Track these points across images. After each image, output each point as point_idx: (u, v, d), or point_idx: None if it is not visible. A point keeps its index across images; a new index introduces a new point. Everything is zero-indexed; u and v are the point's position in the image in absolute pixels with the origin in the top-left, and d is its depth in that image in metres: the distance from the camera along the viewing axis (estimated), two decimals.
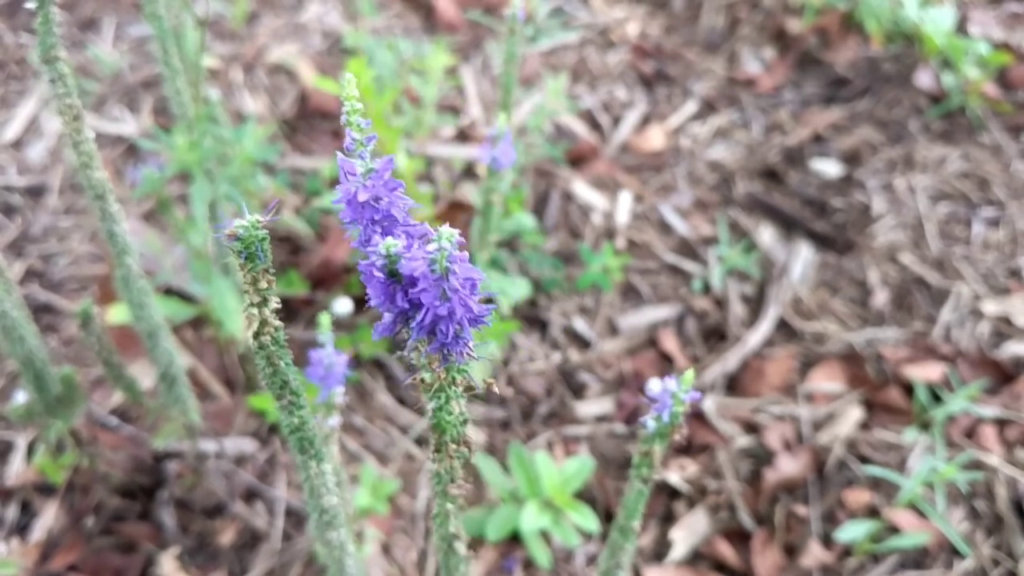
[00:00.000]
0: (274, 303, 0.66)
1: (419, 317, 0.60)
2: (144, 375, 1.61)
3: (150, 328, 1.20)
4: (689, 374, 0.82)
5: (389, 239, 0.59)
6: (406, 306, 0.61)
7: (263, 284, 0.64)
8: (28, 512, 1.51)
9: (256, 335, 0.66)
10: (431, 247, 0.56)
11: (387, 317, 0.63)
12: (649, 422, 0.85)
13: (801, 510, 1.54)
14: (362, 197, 0.61)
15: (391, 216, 0.62)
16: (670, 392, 0.83)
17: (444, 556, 0.86)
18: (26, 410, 1.27)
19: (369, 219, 0.62)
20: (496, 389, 0.69)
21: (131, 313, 1.18)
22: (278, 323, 0.67)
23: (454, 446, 0.71)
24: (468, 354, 0.64)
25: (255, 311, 0.65)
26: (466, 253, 0.57)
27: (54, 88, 0.94)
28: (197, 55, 1.41)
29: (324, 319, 1.02)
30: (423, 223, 0.62)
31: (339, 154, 0.61)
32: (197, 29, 1.42)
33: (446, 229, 0.55)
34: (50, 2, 0.90)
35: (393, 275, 0.60)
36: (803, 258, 1.93)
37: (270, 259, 0.63)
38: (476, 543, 1.50)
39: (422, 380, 0.67)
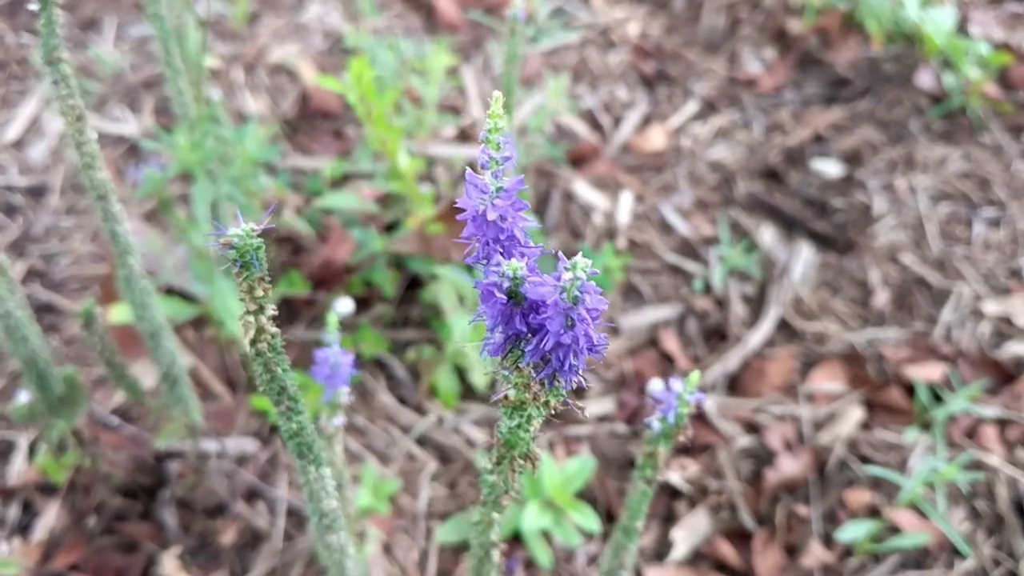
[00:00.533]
0: (270, 310, 0.66)
1: (538, 342, 0.59)
2: (146, 375, 1.61)
3: (152, 328, 1.20)
4: (694, 376, 0.82)
5: (514, 261, 0.58)
6: (523, 329, 0.61)
7: (259, 292, 0.64)
8: (30, 512, 1.51)
9: (253, 342, 0.67)
10: (566, 276, 0.55)
11: (498, 337, 0.62)
12: (654, 423, 0.85)
13: (802, 510, 1.54)
14: (491, 216, 0.60)
15: (514, 237, 0.62)
16: (675, 394, 0.83)
17: (478, 562, 0.86)
18: (28, 410, 1.27)
19: (493, 238, 0.61)
20: (587, 414, 0.69)
21: (133, 313, 1.19)
22: (274, 330, 0.67)
23: (521, 462, 0.71)
24: (577, 382, 0.63)
25: (251, 319, 0.65)
26: (595, 284, 0.56)
27: (57, 89, 0.95)
28: (199, 55, 1.41)
29: (331, 319, 1.02)
30: (540, 245, 0.62)
31: (468, 169, 0.61)
32: (199, 29, 1.42)
33: (581, 260, 0.55)
34: (53, 3, 0.90)
35: (513, 296, 0.60)
36: (804, 258, 1.93)
37: (265, 267, 0.63)
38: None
39: (505, 397, 0.66)
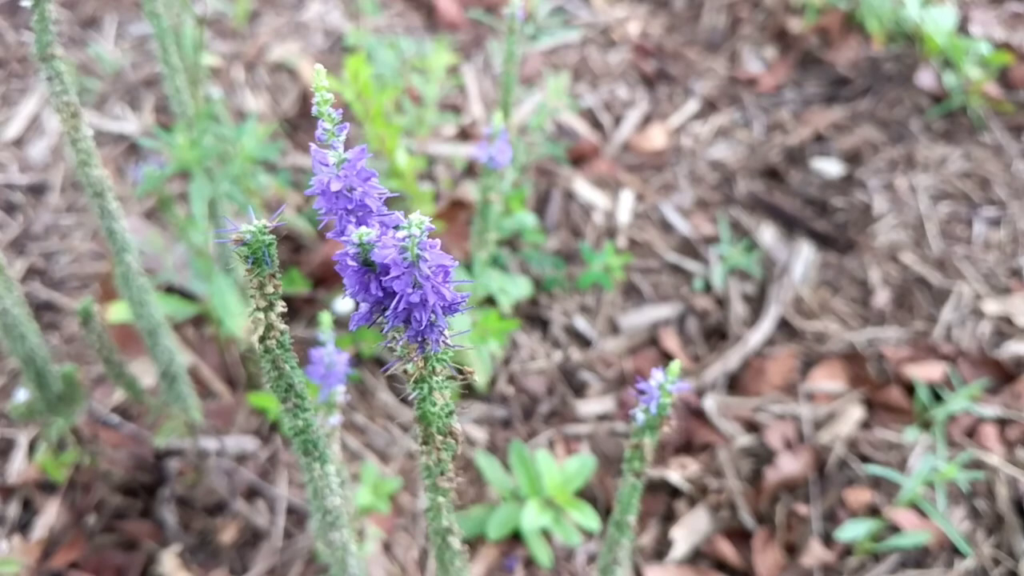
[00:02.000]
0: (280, 307, 0.66)
1: (394, 306, 0.60)
2: (145, 373, 1.61)
3: (151, 326, 1.20)
4: (675, 365, 0.82)
5: (363, 228, 0.59)
6: (380, 295, 0.61)
7: (269, 289, 0.64)
8: (30, 510, 1.51)
9: (262, 339, 0.67)
10: (401, 234, 0.56)
11: (363, 307, 0.63)
12: (638, 414, 0.86)
13: (802, 509, 1.54)
14: (335, 187, 0.61)
15: (365, 206, 0.62)
16: (657, 384, 0.84)
17: (439, 551, 0.86)
18: (27, 408, 1.27)
19: (343, 209, 0.62)
20: (478, 378, 0.69)
21: (131, 311, 1.19)
22: (283, 327, 0.67)
23: (440, 438, 0.71)
24: (444, 342, 0.64)
25: (261, 315, 0.65)
26: (437, 240, 0.57)
27: (51, 86, 0.95)
28: (196, 53, 1.41)
29: (325, 318, 1.02)
30: (397, 212, 0.62)
31: (312, 145, 0.61)
32: (196, 27, 1.42)
33: (416, 216, 0.56)
34: (45, 0, 0.90)
35: (367, 264, 0.60)
36: (804, 257, 1.93)
37: (277, 264, 0.63)
38: (477, 542, 1.50)
39: (404, 371, 0.67)
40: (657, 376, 0.84)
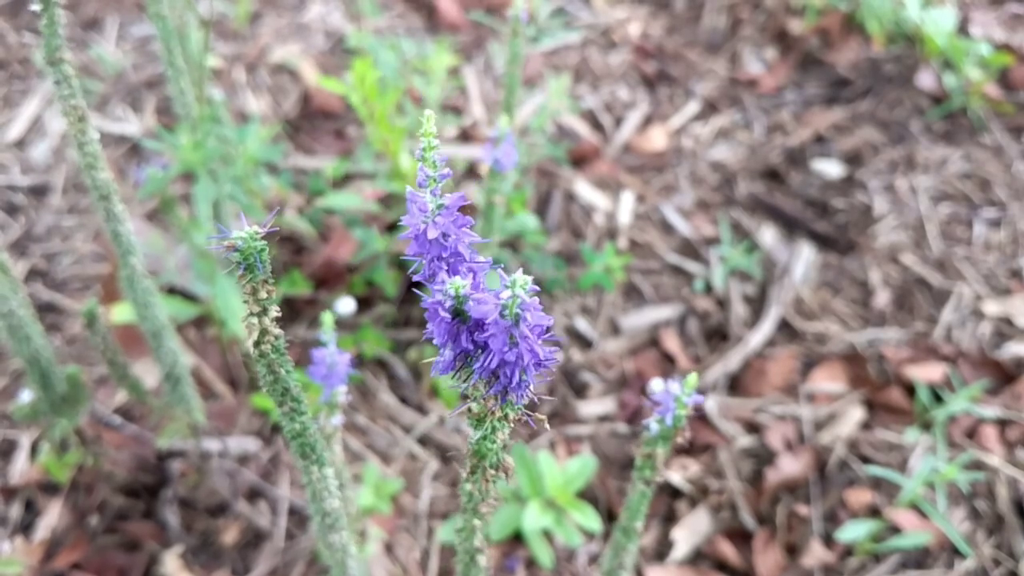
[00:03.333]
0: (274, 312, 0.66)
1: (484, 361, 0.59)
2: (148, 374, 1.61)
3: (154, 328, 1.20)
4: (692, 378, 0.82)
5: (457, 279, 0.58)
6: (470, 347, 0.61)
7: (263, 294, 0.64)
8: (32, 511, 1.52)
9: (257, 344, 0.67)
10: (505, 294, 0.55)
11: (447, 354, 0.62)
12: (652, 425, 0.86)
13: (802, 510, 1.54)
14: (432, 234, 0.60)
15: (458, 253, 0.61)
16: (673, 395, 0.83)
17: (465, 567, 0.86)
18: (31, 409, 1.28)
19: (436, 256, 0.61)
20: (548, 427, 0.70)
21: (136, 313, 1.19)
22: (278, 331, 0.67)
23: (492, 471, 0.71)
24: (528, 396, 0.63)
25: (255, 320, 0.65)
26: (537, 299, 0.56)
27: (59, 89, 0.95)
28: (201, 55, 1.42)
29: (327, 318, 1.02)
30: (488, 259, 0.62)
31: (409, 189, 0.60)
32: (201, 29, 1.42)
33: (520, 276, 0.54)
34: (55, 4, 0.90)
35: (458, 315, 0.59)
36: (805, 258, 1.94)
37: (269, 269, 0.63)
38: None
39: (469, 410, 0.66)
40: (673, 387, 0.84)
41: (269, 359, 0.68)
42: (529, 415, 0.68)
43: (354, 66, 1.47)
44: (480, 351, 0.61)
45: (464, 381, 0.64)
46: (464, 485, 0.75)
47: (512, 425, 0.68)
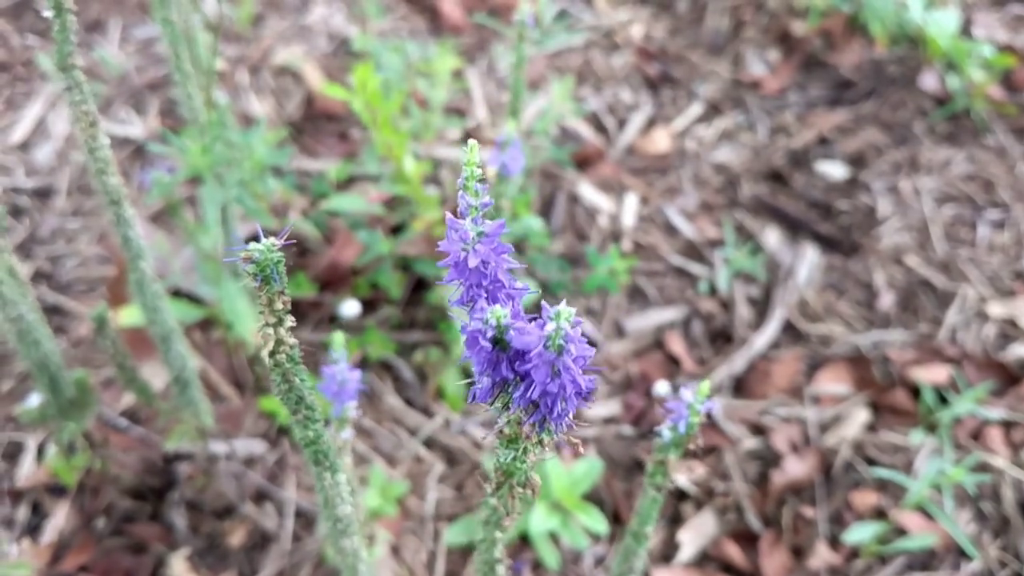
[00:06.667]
0: (289, 322, 0.66)
1: (524, 391, 0.59)
2: (155, 376, 1.61)
3: (164, 332, 1.21)
4: (705, 385, 0.82)
5: (497, 308, 0.58)
6: (509, 375, 0.60)
7: (279, 305, 0.64)
8: (39, 513, 1.52)
9: (272, 354, 0.67)
10: (549, 326, 0.55)
11: (485, 382, 0.62)
12: (665, 432, 0.86)
13: (808, 512, 1.55)
14: (472, 262, 0.59)
15: (497, 280, 0.61)
16: (686, 403, 0.84)
17: None
18: (39, 413, 1.28)
19: (476, 283, 0.61)
20: (583, 451, 0.69)
21: (145, 317, 1.19)
22: (293, 341, 0.68)
23: (520, 489, 0.71)
24: (568, 425, 0.63)
25: (271, 331, 0.66)
26: (580, 330, 0.56)
27: (70, 95, 0.95)
28: (209, 59, 1.42)
29: (337, 337, 1.02)
30: (526, 285, 0.62)
31: (448, 215, 0.60)
32: (209, 33, 1.43)
33: (564, 308, 0.54)
34: (67, 10, 0.90)
35: (499, 343, 0.59)
36: (809, 260, 1.94)
37: (285, 281, 0.63)
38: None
39: (500, 431, 0.66)
40: (686, 395, 0.84)
41: (284, 368, 0.69)
42: (567, 442, 0.67)
43: (355, 72, 1.47)
44: (519, 380, 0.61)
45: (504, 409, 0.63)
46: (488, 500, 0.75)
47: (546, 449, 0.68)
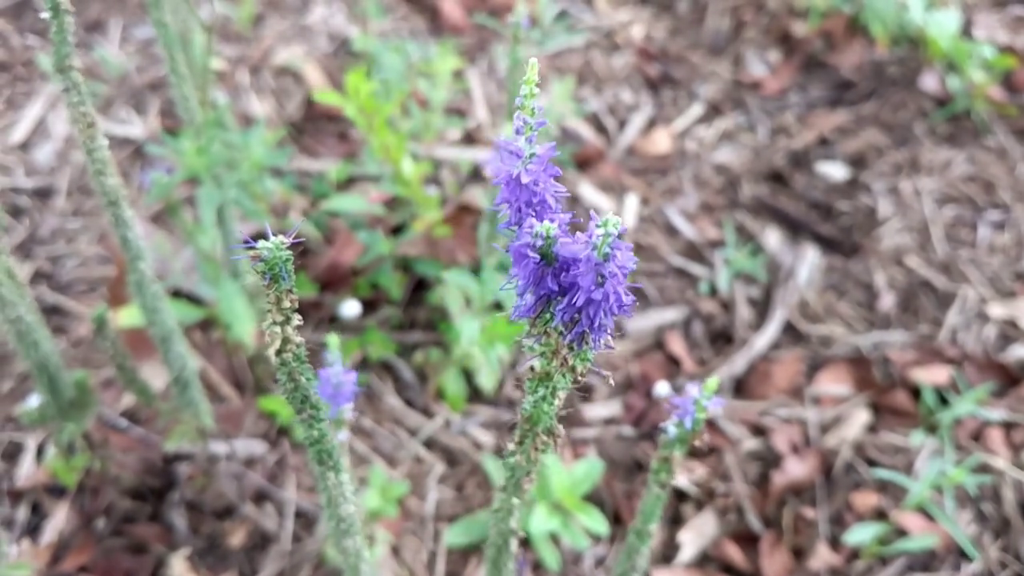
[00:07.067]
0: (296, 320, 0.66)
1: (570, 298, 0.60)
2: (154, 376, 1.61)
3: (164, 333, 1.20)
4: (712, 382, 0.82)
5: (547, 222, 0.59)
6: (554, 288, 0.62)
7: (286, 303, 0.64)
8: (39, 514, 1.52)
9: (279, 352, 0.67)
10: (598, 231, 0.56)
11: (528, 299, 0.63)
12: (670, 428, 0.86)
13: (809, 513, 1.54)
14: (525, 179, 0.61)
15: (545, 202, 0.63)
16: (692, 399, 0.84)
17: (496, 551, 0.86)
18: (39, 414, 1.28)
19: (525, 202, 0.62)
20: (612, 382, 0.70)
21: (145, 317, 1.19)
22: (300, 340, 0.68)
23: (544, 438, 0.72)
24: (606, 343, 0.64)
25: (278, 329, 0.66)
26: (629, 243, 0.57)
27: (68, 97, 0.95)
28: (204, 60, 1.42)
29: (332, 340, 1.02)
30: (570, 212, 0.63)
31: (500, 135, 0.62)
32: (204, 34, 1.43)
33: (611, 216, 0.56)
34: (65, 11, 0.90)
35: (545, 257, 0.61)
36: (809, 261, 1.94)
37: (293, 279, 0.64)
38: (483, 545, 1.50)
39: (531, 368, 0.67)
40: (693, 391, 0.84)
41: (290, 367, 0.69)
42: (598, 371, 0.68)
43: (348, 79, 1.46)
44: (562, 295, 0.62)
45: (541, 330, 0.64)
46: (508, 459, 0.74)
47: (578, 379, 0.68)
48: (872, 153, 2.16)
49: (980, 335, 1.79)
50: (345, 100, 1.51)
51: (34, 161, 2.08)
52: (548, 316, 0.64)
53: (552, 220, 0.62)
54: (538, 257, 0.60)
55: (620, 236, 0.57)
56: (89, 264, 1.88)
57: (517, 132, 0.62)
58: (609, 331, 0.63)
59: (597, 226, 0.56)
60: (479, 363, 1.66)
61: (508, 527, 0.83)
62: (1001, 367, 1.72)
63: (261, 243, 0.60)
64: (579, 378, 0.68)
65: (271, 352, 0.66)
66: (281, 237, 0.61)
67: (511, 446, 0.73)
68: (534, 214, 0.63)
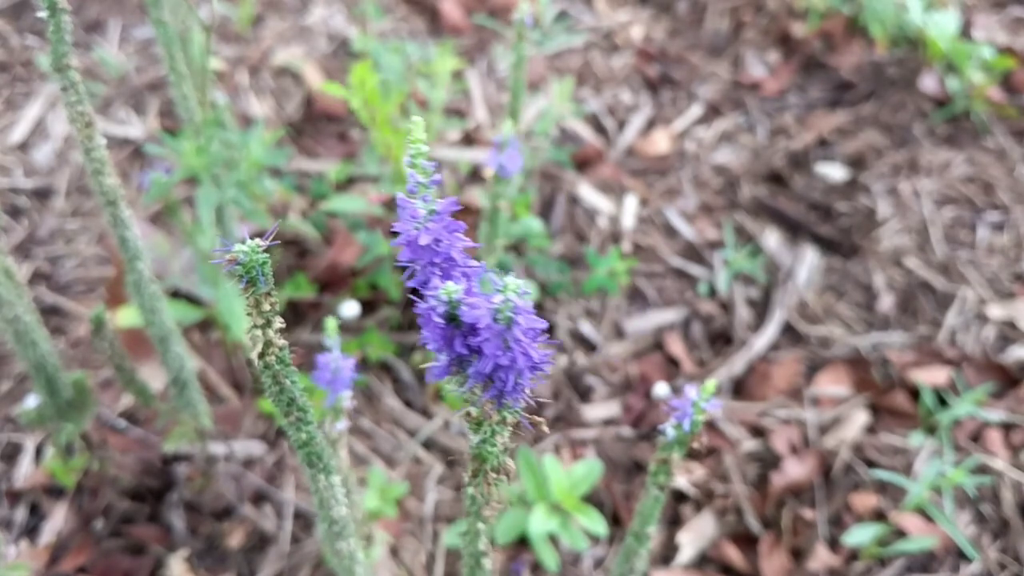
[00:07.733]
0: (277, 323, 0.66)
1: (478, 365, 0.59)
2: (153, 377, 1.61)
3: (162, 333, 1.20)
4: (711, 384, 0.82)
5: (450, 284, 0.58)
6: (464, 351, 0.61)
7: (266, 306, 0.64)
8: (37, 514, 1.51)
9: (261, 355, 0.67)
10: (497, 298, 0.55)
11: (442, 360, 0.62)
12: (669, 430, 0.86)
13: (808, 514, 1.54)
14: (424, 241, 0.60)
15: (451, 258, 0.61)
16: (690, 401, 0.84)
17: (470, 570, 0.86)
18: (37, 414, 1.28)
19: (428, 261, 0.61)
20: (546, 429, 0.69)
21: (143, 318, 1.19)
22: (282, 342, 0.67)
23: (494, 474, 0.72)
24: (524, 400, 0.63)
25: (259, 332, 0.65)
26: (531, 303, 0.56)
27: (66, 96, 0.95)
28: (203, 60, 1.42)
29: (330, 323, 1.02)
30: (481, 263, 0.62)
31: (400, 195, 0.60)
32: (203, 34, 1.42)
33: (512, 280, 0.55)
34: (62, 11, 0.90)
35: (452, 320, 0.59)
36: (808, 262, 1.94)
37: (272, 282, 0.63)
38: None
39: (468, 414, 0.67)
40: (691, 393, 0.84)
41: (274, 370, 0.68)
42: (526, 419, 0.68)
43: (353, 71, 1.47)
44: (475, 356, 0.61)
45: (460, 385, 0.64)
46: (467, 489, 0.75)
47: (511, 429, 0.68)
48: (871, 154, 2.16)
49: (979, 336, 1.79)
50: (350, 92, 1.51)
51: (33, 161, 2.08)
52: (464, 376, 0.63)
53: (464, 276, 0.61)
54: (444, 321, 0.59)
55: (525, 297, 0.55)
56: (88, 264, 1.88)
57: (411, 192, 0.60)
58: (527, 390, 0.62)
59: (498, 291, 0.55)
60: None
61: (477, 548, 0.83)
62: (1000, 368, 1.72)
63: (237, 246, 0.60)
64: (512, 427, 0.67)
65: (254, 355, 0.66)
66: (258, 240, 0.60)
67: (467, 478, 0.73)
68: (440, 273, 0.61)
